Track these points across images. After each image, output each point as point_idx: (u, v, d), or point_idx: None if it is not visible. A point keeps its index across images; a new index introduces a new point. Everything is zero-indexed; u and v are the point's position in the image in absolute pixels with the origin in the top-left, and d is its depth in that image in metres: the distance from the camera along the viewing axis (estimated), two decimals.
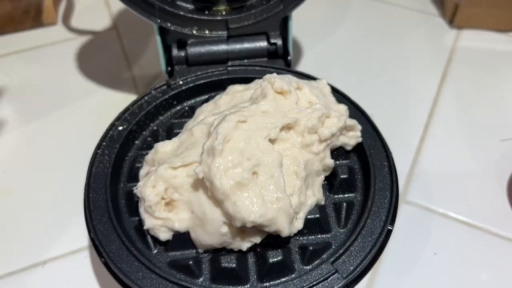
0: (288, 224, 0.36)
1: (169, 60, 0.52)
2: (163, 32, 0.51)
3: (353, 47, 0.73)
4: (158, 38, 0.52)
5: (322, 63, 0.70)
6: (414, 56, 0.71)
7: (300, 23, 0.71)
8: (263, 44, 0.52)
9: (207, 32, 0.52)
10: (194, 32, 0.51)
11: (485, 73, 0.67)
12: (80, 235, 0.49)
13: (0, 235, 0.49)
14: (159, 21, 0.50)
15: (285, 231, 0.36)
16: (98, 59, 0.70)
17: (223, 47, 0.52)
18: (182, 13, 0.50)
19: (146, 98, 0.48)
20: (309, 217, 0.39)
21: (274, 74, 0.42)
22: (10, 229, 0.50)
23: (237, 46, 0.52)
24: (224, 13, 0.52)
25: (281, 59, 0.53)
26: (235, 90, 0.46)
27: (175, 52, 0.51)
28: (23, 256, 0.48)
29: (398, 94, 0.65)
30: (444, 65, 0.69)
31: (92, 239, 0.38)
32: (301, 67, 0.68)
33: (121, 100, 0.64)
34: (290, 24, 0.53)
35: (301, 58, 0.70)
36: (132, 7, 0.49)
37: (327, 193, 0.42)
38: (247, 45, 0.52)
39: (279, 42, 0.52)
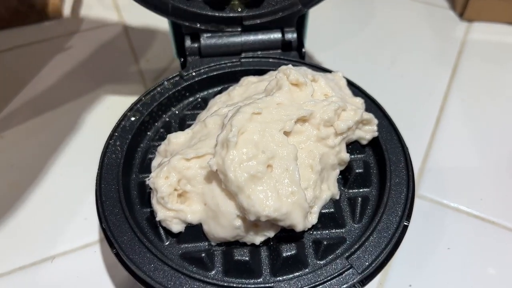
0: (303, 218, 0.35)
1: (182, 51, 0.51)
2: (176, 25, 0.51)
3: (362, 40, 0.72)
4: (170, 31, 0.51)
5: (330, 56, 0.69)
6: (424, 50, 0.70)
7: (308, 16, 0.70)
8: (277, 36, 0.51)
9: (221, 26, 0.51)
10: (208, 27, 0.50)
11: (497, 66, 0.66)
12: (89, 230, 0.49)
13: (9, 230, 0.49)
14: (173, 17, 0.49)
15: (300, 226, 0.35)
16: (105, 53, 0.70)
17: (236, 39, 0.51)
18: (196, 10, 0.49)
19: (159, 89, 0.48)
20: (323, 211, 0.39)
21: (290, 66, 0.41)
22: (18, 224, 0.50)
23: (251, 38, 0.51)
24: (239, 10, 0.50)
25: (295, 51, 0.52)
26: (249, 82, 0.46)
27: (188, 43, 0.50)
28: (32, 251, 0.48)
29: (408, 88, 0.64)
30: (454, 58, 0.68)
31: (103, 230, 0.38)
32: (309, 60, 0.67)
33: (128, 93, 0.63)
34: (307, 20, 0.52)
35: (310, 51, 0.69)
36: (145, 6, 0.48)
37: (342, 188, 0.42)
38: (261, 37, 0.51)
39: (294, 38, 0.51)
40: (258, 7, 0.50)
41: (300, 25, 0.52)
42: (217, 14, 0.50)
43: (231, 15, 0.50)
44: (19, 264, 0.47)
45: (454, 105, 0.61)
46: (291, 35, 0.51)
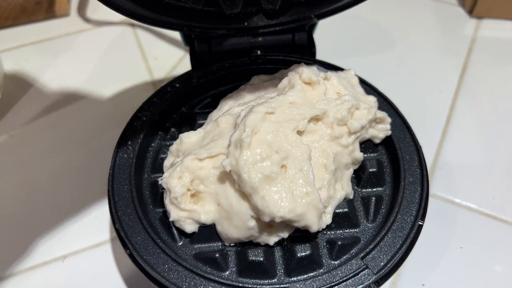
0: (317, 219, 0.35)
1: (192, 51, 0.51)
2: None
3: (371, 37, 0.71)
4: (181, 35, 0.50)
5: (340, 53, 0.68)
6: (434, 47, 0.69)
7: None
8: (288, 37, 0.50)
9: (233, 33, 0.49)
10: (219, 33, 0.49)
11: (507, 63, 0.66)
12: (100, 230, 0.49)
13: (20, 230, 0.49)
14: (185, 29, 0.48)
15: (314, 227, 0.35)
16: (112, 51, 0.69)
17: (247, 40, 0.50)
18: (208, 25, 0.47)
19: (169, 88, 0.47)
20: (337, 211, 0.38)
21: (302, 64, 0.41)
22: (29, 224, 0.50)
23: (262, 39, 0.50)
24: (252, 23, 0.48)
25: (306, 49, 0.51)
26: (260, 80, 0.46)
27: (198, 43, 0.50)
28: (43, 251, 0.47)
29: (418, 86, 0.63)
30: (464, 56, 0.67)
31: (117, 230, 0.38)
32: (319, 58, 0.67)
33: (136, 91, 0.63)
34: (317, 24, 0.51)
35: (318, 49, 0.69)
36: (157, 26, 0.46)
37: (355, 187, 0.41)
38: (271, 39, 0.50)
39: (304, 39, 0.50)
40: (274, 19, 0.48)
41: (310, 25, 0.51)
42: (229, 26, 0.48)
43: (245, 26, 0.48)
44: (30, 264, 0.47)
45: (464, 102, 0.61)
46: (301, 37, 0.50)
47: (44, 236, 0.49)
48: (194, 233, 0.38)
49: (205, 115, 0.46)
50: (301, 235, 0.37)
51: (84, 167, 0.54)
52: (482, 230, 0.48)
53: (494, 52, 0.67)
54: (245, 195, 0.36)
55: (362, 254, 0.35)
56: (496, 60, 0.66)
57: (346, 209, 0.39)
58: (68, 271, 0.46)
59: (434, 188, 0.52)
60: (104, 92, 0.63)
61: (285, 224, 0.36)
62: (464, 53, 0.67)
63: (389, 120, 0.42)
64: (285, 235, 0.37)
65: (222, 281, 0.35)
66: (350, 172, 0.41)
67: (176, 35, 0.68)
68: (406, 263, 0.45)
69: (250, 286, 0.34)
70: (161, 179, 0.39)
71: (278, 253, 0.37)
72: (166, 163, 0.42)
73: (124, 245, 0.37)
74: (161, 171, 0.42)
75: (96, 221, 0.49)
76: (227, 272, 0.37)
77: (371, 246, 0.36)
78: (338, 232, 0.38)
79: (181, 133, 0.43)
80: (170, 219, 0.38)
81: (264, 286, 0.35)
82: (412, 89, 0.63)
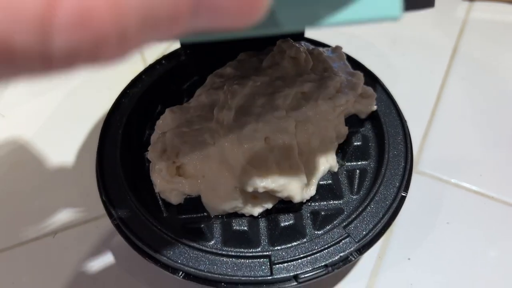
0: (300, 190, 0.36)
1: None
2: None
3: None
4: None
5: (330, 33, 0.68)
6: (425, 28, 0.69)
7: None
8: None
9: None
10: None
11: (498, 45, 0.66)
12: (91, 206, 0.49)
13: (11, 206, 0.50)
14: None
15: (297, 197, 0.35)
16: None
17: None
18: None
19: (158, 66, 0.48)
20: (321, 183, 0.39)
21: (288, 39, 0.41)
22: (20, 200, 0.50)
23: None
24: None
25: None
26: (247, 56, 0.46)
27: None
28: (33, 226, 0.48)
29: (409, 66, 0.64)
30: (455, 37, 0.67)
31: (103, 202, 0.38)
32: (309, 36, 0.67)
33: (128, 74, 0.63)
34: None
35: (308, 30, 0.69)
36: None
37: (340, 161, 0.42)
38: None
39: None
40: None
41: None
42: None
43: None
44: (21, 239, 0.47)
45: (455, 83, 0.61)
46: None
47: (35, 212, 0.49)
48: (180, 204, 0.39)
49: (192, 91, 0.46)
50: (285, 206, 0.38)
51: (76, 144, 0.55)
52: (469, 206, 0.49)
53: (485, 34, 0.67)
54: (229, 167, 0.36)
55: (344, 224, 0.36)
56: (487, 41, 0.66)
57: (330, 181, 0.39)
58: (58, 247, 0.47)
59: (422, 165, 0.52)
60: (97, 74, 0.63)
61: (269, 194, 0.36)
62: (456, 35, 0.68)
63: (374, 95, 0.43)
64: (269, 206, 0.37)
65: (207, 249, 0.35)
66: (334, 145, 0.41)
67: None
68: (393, 238, 0.46)
69: (233, 254, 0.35)
70: (147, 153, 0.39)
71: (262, 223, 0.38)
72: (153, 138, 0.43)
73: (111, 216, 0.37)
74: (148, 145, 0.43)
75: (88, 197, 0.50)
76: (212, 242, 0.37)
77: (353, 216, 0.36)
78: (322, 203, 0.39)
79: (168, 108, 0.43)
80: (156, 191, 0.38)
81: (248, 254, 0.35)
82: (403, 70, 0.63)
